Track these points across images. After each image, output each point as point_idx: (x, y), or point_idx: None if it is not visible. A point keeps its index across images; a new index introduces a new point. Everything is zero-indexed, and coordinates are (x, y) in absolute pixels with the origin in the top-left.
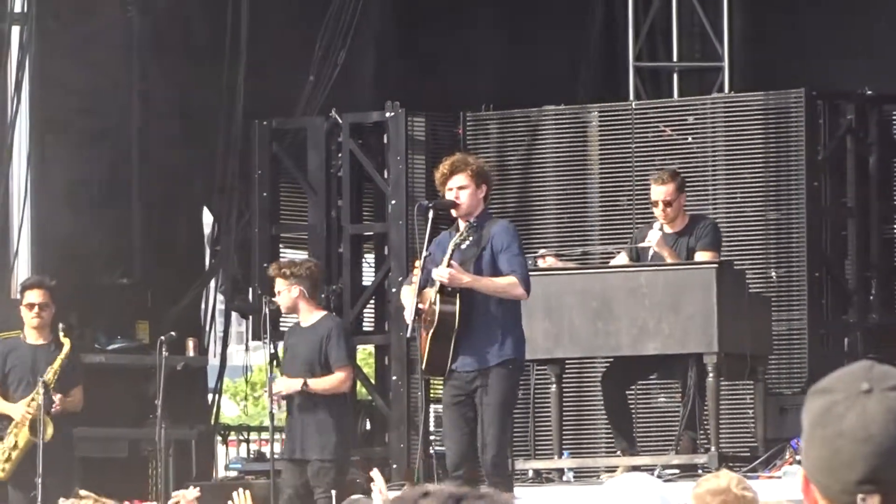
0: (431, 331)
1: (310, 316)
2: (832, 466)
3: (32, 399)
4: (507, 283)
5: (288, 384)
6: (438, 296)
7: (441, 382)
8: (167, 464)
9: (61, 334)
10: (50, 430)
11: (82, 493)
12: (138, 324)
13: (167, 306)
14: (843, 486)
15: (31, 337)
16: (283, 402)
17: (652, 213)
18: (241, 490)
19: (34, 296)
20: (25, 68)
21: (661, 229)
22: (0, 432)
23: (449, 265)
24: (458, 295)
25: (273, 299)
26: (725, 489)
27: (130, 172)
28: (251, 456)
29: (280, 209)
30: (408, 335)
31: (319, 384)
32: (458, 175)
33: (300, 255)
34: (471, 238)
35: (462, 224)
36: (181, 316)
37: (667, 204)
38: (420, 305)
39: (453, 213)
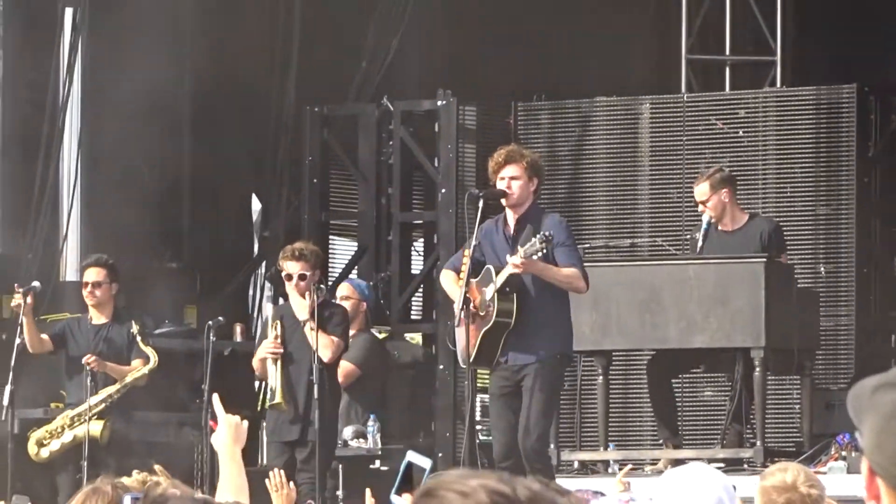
0: (486, 327)
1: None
2: None
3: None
4: (571, 275)
5: None
6: (496, 294)
7: (487, 373)
8: (212, 449)
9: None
10: (106, 434)
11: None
12: (186, 308)
13: (215, 291)
14: None
15: (94, 317)
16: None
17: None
18: (276, 470)
19: (89, 274)
20: (78, 50)
21: (711, 224)
22: (51, 414)
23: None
24: (514, 294)
25: (321, 286)
26: (791, 486)
27: (181, 156)
28: None
29: (330, 196)
30: (456, 325)
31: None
32: (512, 165)
33: (349, 242)
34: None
35: (511, 214)
36: (229, 301)
37: (703, 203)
38: (468, 295)
39: (503, 202)
